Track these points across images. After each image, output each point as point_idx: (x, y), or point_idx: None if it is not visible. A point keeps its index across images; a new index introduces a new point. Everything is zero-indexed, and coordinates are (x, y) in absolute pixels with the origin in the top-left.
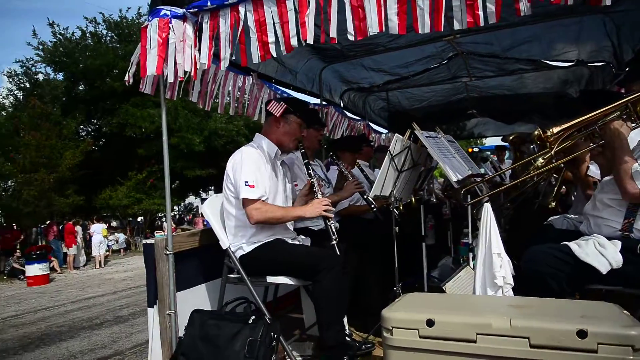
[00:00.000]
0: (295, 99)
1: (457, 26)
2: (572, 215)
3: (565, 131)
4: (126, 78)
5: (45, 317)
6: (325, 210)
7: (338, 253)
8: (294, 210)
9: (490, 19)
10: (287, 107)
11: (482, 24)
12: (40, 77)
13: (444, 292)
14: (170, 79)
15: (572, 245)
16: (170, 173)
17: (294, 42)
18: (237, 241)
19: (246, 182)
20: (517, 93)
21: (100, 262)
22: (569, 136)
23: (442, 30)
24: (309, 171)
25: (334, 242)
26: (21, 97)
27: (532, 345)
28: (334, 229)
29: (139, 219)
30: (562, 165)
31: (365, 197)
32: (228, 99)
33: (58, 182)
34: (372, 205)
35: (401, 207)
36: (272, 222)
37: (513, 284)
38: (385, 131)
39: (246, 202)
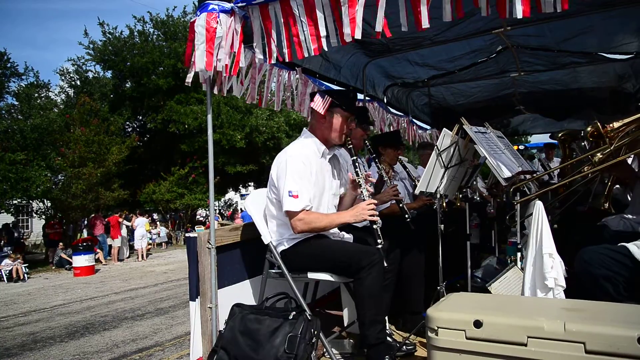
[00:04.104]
0: (341, 90)
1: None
2: (630, 216)
3: (626, 126)
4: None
5: (91, 307)
6: (370, 215)
7: (384, 257)
8: (339, 216)
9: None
10: (332, 101)
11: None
12: (90, 75)
13: (488, 292)
14: (224, 73)
15: (631, 246)
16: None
17: (346, 37)
18: (279, 237)
19: (290, 192)
20: (569, 88)
21: (142, 254)
22: (627, 133)
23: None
24: (356, 169)
25: (379, 246)
26: (72, 94)
27: (588, 351)
28: (379, 233)
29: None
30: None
31: (400, 205)
32: (270, 95)
33: (105, 176)
34: (407, 215)
35: (444, 205)
36: (316, 231)
37: (565, 286)
38: (428, 127)
39: (290, 214)
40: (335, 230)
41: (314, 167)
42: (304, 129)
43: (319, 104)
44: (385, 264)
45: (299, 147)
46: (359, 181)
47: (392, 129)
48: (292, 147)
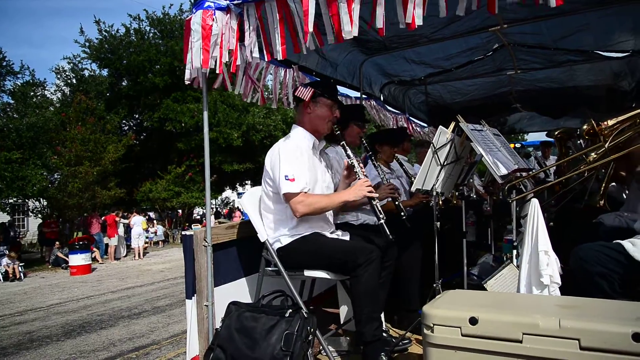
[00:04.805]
0: (323, 80)
1: None
2: (625, 213)
3: (621, 124)
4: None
5: (87, 306)
6: (369, 192)
7: (387, 232)
8: (338, 195)
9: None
10: (315, 90)
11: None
12: (86, 73)
13: (484, 290)
14: (216, 71)
15: (626, 243)
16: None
17: (346, 35)
18: (275, 234)
19: (286, 176)
20: (565, 86)
21: (139, 253)
22: (622, 130)
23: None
24: (347, 152)
25: (382, 221)
26: (68, 92)
27: (583, 348)
28: (379, 208)
29: (179, 211)
30: (612, 161)
31: (397, 203)
32: (267, 93)
33: (101, 175)
34: (403, 213)
35: (440, 203)
36: (317, 212)
37: (560, 283)
38: (425, 125)
39: (289, 197)
40: (332, 227)
41: (306, 156)
42: (293, 124)
43: (303, 93)
44: (391, 237)
45: (290, 139)
46: (352, 162)
47: (393, 127)
48: (283, 139)
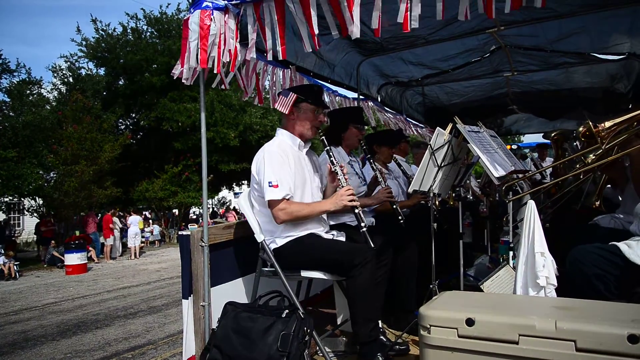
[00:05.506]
0: (306, 85)
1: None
2: (621, 215)
3: (618, 126)
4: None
5: (83, 305)
6: (350, 201)
7: (369, 239)
8: (319, 205)
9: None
10: (297, 97)
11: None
12: (83, 72)
13: (481, 291)
14: (214, 70)
15: (622, 245)
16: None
17: (353, 35)
18: (270, 235)
19: (270, 182)
20: (561, 88)
21: (135, 253)
22: (619, 132)
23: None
24: (331, 158)
25: (364, 229)
26: (65, 91)
27: (579, 349)
28: (362, 216)
29: (174, 211)
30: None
31: (394, 207)
32: (264, 94)
33: (97, 174)
34: (400, 217)
35: (437, 204)
36: (298, 220)
37: (556, 284)
38: (422, 126)
39: (271, 203)
40: (326, 226)
41: (292, 159)
42: (278, 128)
43: (283, 104)
44: (373, 246)
45: (275, 143)
46: (335, 169)
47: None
48: (269, 143)
